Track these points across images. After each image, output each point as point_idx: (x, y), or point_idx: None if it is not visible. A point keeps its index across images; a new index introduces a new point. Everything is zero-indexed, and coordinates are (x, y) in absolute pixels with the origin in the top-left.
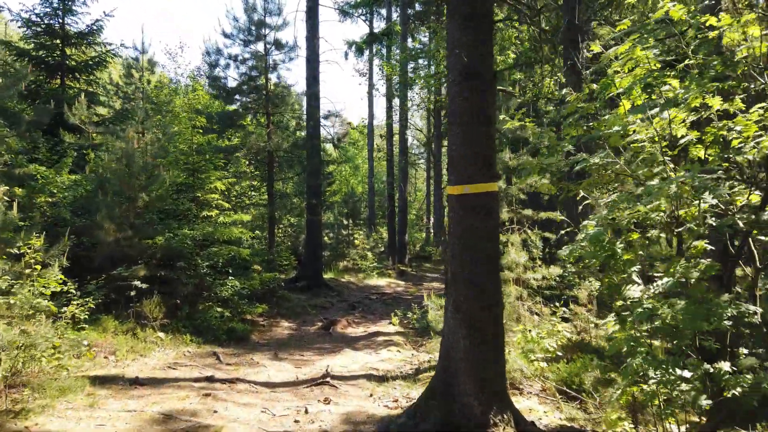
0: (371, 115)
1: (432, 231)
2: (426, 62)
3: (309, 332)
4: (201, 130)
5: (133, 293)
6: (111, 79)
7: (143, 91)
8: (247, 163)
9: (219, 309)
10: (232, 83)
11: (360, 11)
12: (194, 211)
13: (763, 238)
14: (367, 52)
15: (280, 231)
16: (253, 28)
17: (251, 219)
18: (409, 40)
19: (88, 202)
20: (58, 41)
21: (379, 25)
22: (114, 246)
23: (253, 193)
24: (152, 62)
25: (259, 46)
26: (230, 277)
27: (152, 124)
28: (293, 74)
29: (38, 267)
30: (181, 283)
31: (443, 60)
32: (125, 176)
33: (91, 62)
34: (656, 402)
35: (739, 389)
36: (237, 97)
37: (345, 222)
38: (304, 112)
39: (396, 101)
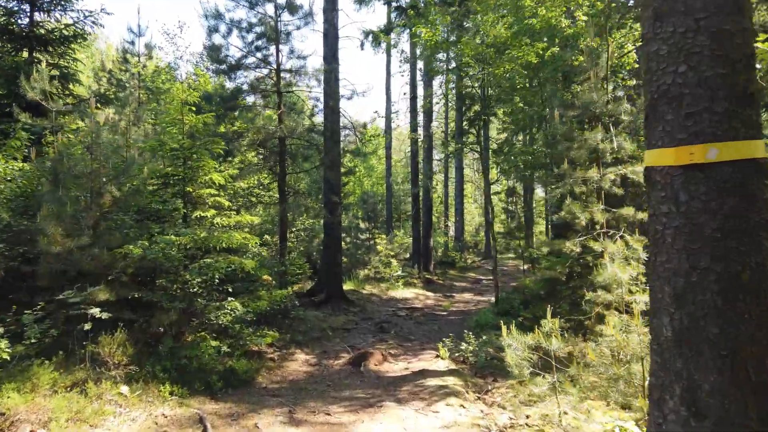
0: (388, 110)
1: (453, 235)
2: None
3: (333, 369)
4: (194, 108)
5: (87, 326)
6: (103, 66)
7: (139, 76)
8: (254, 154)
9: (214, 342)
10: (234, 52)
11: None
12: (183, 210)
13: None
14: (384, 43)
15: (292, 235)
16: None
17: (259, 221)
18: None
19: (38, 198)
20: (26, 6)
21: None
22: (64, 258)
23: (260, 191)
24: (149, 46)
25: (268, 9)
26: (230, 298)
27: (146, 112)
28: (307, 48)
29: None
30: (162, 309)
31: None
32: (87, 163)
33: (66, 32)
34: None
35: None
36: (241, 73)
37: (363, 225)
38: (322, 93)
39: (420, 90)
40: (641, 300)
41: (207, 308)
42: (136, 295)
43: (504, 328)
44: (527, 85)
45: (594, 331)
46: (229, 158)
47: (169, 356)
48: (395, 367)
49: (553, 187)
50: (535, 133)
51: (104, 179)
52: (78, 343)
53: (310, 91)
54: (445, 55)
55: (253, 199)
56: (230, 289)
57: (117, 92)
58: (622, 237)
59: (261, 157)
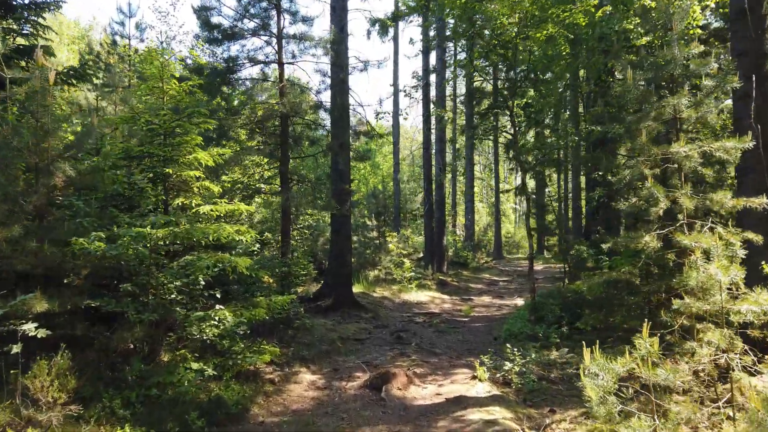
0: (396, 103)
1: (463, 234)
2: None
3: (347, 395)
4: (176, 75)
5: (16, 349)
6: (91, 49)
7: (128, 59)
8: (249, 136)
9: (196, 364)
10: (228, 13)
11: None
12: (162, 196)
13: None
14: (392, 31)
15: (295, 232)
16: None
17: (259, 216)
18: None
19: None
20: None
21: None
22: None
23: (257, 180)
24: (140, 27)
25: None
26: (218, 306)
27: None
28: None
29: None
30: (127, 322)
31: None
32: (31, 132)
33: None
34: None
35: None
36: (238, 42)
37: (370, 223)
38: (329, 65)
39: (432, 77)
40: (747, 309)
41: (188, 319)
42: (93, 305)
43: (587, 354)
44: (568, 54)
45: (680, 347)
46: (224, 141)
47: (135, 384)
48: (424, 392)
49: (621, 167)
50: (563, 118)
51: (53, 153)
52: (5, 373)
53: (316, 62)
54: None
55: (251, 186)
56: (218, 295)
57: (105, 77)
58: (712, 229)
59: (260, 139)
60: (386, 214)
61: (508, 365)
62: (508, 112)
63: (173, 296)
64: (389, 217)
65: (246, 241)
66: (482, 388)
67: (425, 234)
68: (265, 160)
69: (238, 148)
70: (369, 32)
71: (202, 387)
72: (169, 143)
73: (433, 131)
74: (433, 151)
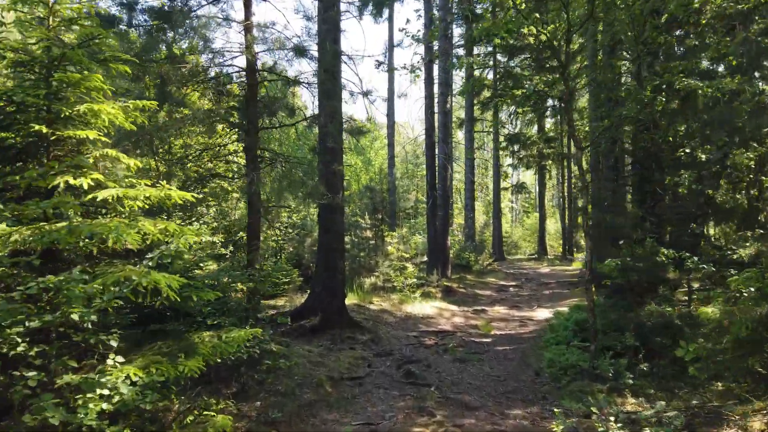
0: (391, 92)
1: (462, 234)
2: None
3: None
4: None
5: None
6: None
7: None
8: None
9: None
10: None
11: None
12: (34, 171)
13: None
14: (387, 11)
15: (275, 231)
16: None
17: (216, 203)
18: None
19: None
20: None
21: None
22: None
23: (220, 161)
24: None
25: None
26: (116, 359)
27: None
28: None
29: None
30: None
31: None
32: None
33: None
34: None
35: None
36: None
37: (364, 222)
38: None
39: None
40: None
41: (39, 398)
42: None
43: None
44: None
45: None
46: (167, 106)
47: None
48: None
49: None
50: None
51: None
52: None
53: None
54: None
55: (201, 166)
56: (114, 342)
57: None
58: None
59: (212, 97)
60: (383, 210)
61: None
62: (556, 65)
63: (14, 349)
64: (386, 215)
65: (181, 245)
66: None
67: (428, 233)
68: (222, 129)
69: (185, 112)
70: (361, 11)
71: None
72: (53, 88)
73: (436, 115)
74: (437, 139)
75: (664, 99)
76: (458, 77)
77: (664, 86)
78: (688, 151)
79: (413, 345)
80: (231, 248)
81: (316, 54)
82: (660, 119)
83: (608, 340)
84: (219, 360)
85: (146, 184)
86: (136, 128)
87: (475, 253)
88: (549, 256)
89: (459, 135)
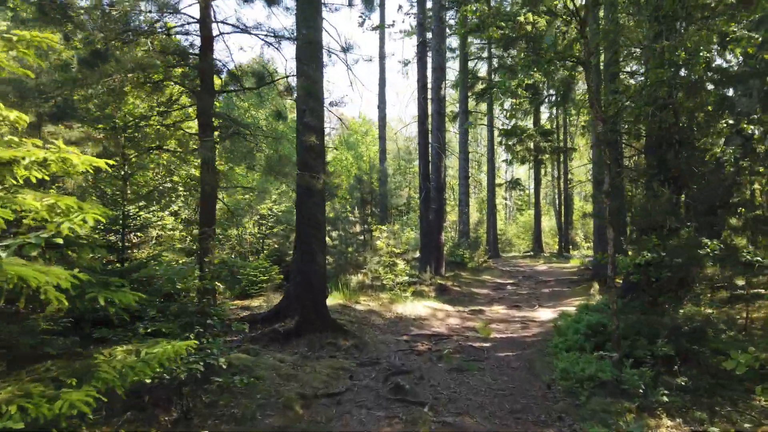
0: (383, 81)
1: (456, 230)
2: None
3: None
4: None
5: None
6: None
7: None
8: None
9: None
10: None
11: None
12: None
13: None
14: None
15: (250, 223)
16: None
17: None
18: None
19: None
20: None
21: None
22: None
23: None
24: None
25: None
26: None
27: None
28: None
29: None
30: None
31: None
32: None
33: None
34: None
35: None
36: None
37: (353, 217)
38: None
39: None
40: None
41: None
42: None
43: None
44: None
45: None
46: (100, 63)
47: None
48: None
49: None
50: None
51: None
52: None
53: None
54: None
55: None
56: None
57: None
58: None
59: (154, 54)
60: (373, 203)
61: None
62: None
63: None
64: (375, 207)
65: (76, 225)
66: None
67: (421, 228)
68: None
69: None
70: None
71: None
72: None
73: (430, 102)
74: (430, 127)
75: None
76: (452, 72)
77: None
78: (731, 122)
79: (403, 351)
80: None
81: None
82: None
83: (630, 346)
84: (150, 379)
85: (35, 145)
86: (30, 73)
87: (470, 249)
88: (545, 254)
89: (452, 134)
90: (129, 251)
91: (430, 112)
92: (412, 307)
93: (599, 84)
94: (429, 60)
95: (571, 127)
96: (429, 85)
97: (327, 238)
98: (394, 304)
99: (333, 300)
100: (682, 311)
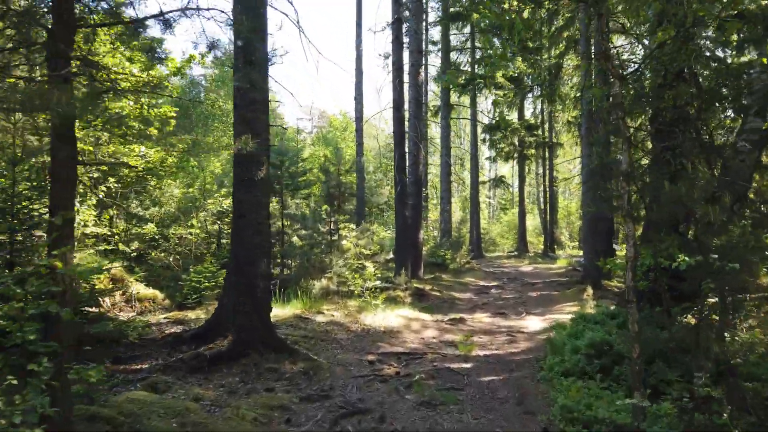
0: (359, 73)
1: (438, 229)
2: None
3: None
4: None
5: None
6: None
7: None
8: None
9: None
10: None
11: None
12: None
13: None
14: None
15: (194, 221)
16: None
17: None
18: None
19: None
20: None
21: None
22: None
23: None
24: None
25: None
26: None
27: None
28: None
29: None
30: None
31: None
32: None
33: None
34: None
35: None
36: None
37: (324, 215)
38: None
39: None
40: None
41: None
42: None
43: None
44: None
45: None
46: None
47: None
48: None
49: None
50: None
51: None
52: None
53: None
54: None
55: None
56: None
57: None
58: None
59: None
60: (341, 198)
61: None
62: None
63: None
64: (344, 202)
65: None
66: None
67: (396, 226)
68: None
69: None
70: None
71: None
72: None
73: (407, 87)
74: (407, 114)
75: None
76: (433, 68)
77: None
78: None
79: (365, 378)
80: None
81: None
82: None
83: (652, 376)
84: None
85: None
86: None
87: (451, 250)
88: (530, 253)
89: (434, 131)
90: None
91: (407, 98)
92: (383, 317)
93: (607, 33)
94: (406, 42)
95: (556, 124)
96: (406, 70)
97: (294, 238)
98: (363, 313)
99: (289, 310)
100: (739, 337)
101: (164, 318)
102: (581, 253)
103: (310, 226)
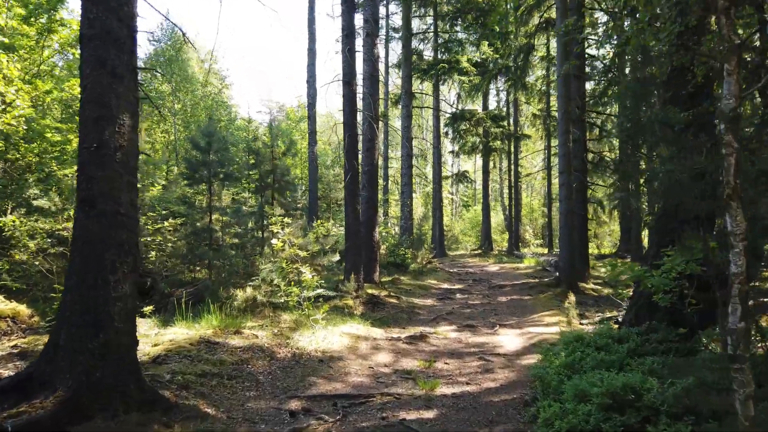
0: (312, 52)
1: (397, 226)
2: None
3: None
4: None
5: None
6: None
7: None
8: None
9: None
10: None
11: None
12: None
13: None
14: None
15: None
16: None
17: None
18: None
19: None
20: None
21: None
22: None
23: None
24: None
25: None
26: None
27: None
28: None
29: None
30: None
31: None
32: None
33: None
34: None
35: None
36: None
37: (255, 209)
38: None
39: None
40: None
41: None
42: None
43: None
44: None
45: None
46: None
47: None
48: None
49: None
50: None
51: None
52: None
53: None
54: None
55: None
56: None
57: None
58: None
59: None
60: (276, 188)
61: None
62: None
63: None
64: (280, 192)
65: None
66: None
67: (346, 222)
68: None
69: None
70: None
71: None
72: None
73: (360, 58)
74: (360, 90)
75: None
76: (394, 54)
77: None
78: None
79: None
80: None
81: None
82: None
83: None
84: None
85: None
86: None
87: (412, 248)
88: (494, 252)
89: (395, 128)
90: None
91: (361, 73)
92: (324, 336)
93: None
94: (359, 4)
95: (521, 117)
96: (360, 42)
97: (227, 238)
98: (299, 330)
99: (196, 331)
100: None
101: (12, 346)
102: (546, 251)
103: (245, 225)
